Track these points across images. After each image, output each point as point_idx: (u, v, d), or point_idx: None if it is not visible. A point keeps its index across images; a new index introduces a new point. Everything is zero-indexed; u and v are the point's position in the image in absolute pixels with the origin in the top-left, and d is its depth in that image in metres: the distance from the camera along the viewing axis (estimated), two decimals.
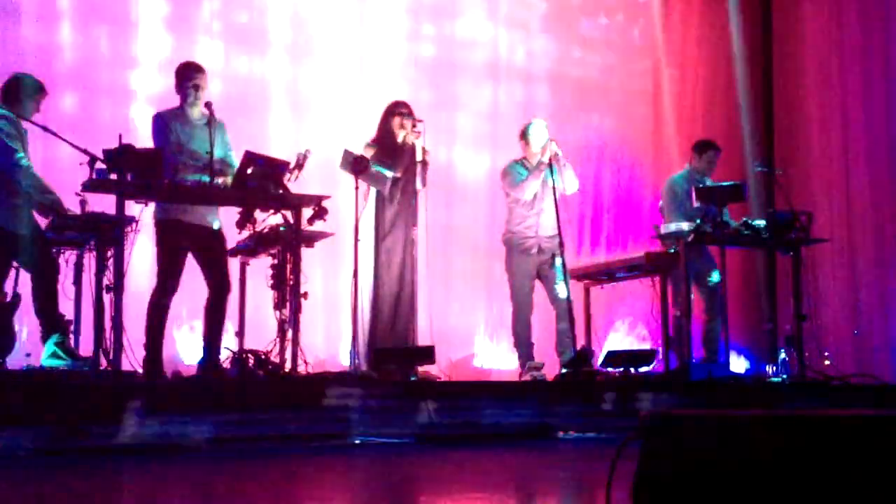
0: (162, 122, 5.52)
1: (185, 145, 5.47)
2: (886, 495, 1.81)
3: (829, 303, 8.18)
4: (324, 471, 4.18)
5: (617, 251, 7.62)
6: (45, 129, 5.28)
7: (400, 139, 6.19)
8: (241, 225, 5.41)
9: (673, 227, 6.63)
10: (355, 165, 5.87)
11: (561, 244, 6.35)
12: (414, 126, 6.16)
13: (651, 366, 6.37)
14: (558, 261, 6.38)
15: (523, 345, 6.54)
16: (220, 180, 5.44)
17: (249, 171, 5.27)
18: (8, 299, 5.24)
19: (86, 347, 5.39)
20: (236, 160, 5.58)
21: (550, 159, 6.43)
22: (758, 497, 1.95)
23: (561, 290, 6.34)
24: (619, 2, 8.83)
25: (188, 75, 5.57)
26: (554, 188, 6.36)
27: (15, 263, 5.30)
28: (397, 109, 6.24)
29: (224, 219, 5.64)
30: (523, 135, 6.70)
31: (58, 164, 5.93)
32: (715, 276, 6.85)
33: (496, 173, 7.09)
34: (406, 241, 6.18)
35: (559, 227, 6.32)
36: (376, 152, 6.12)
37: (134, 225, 5.28)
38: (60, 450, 4.33)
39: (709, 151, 7.10)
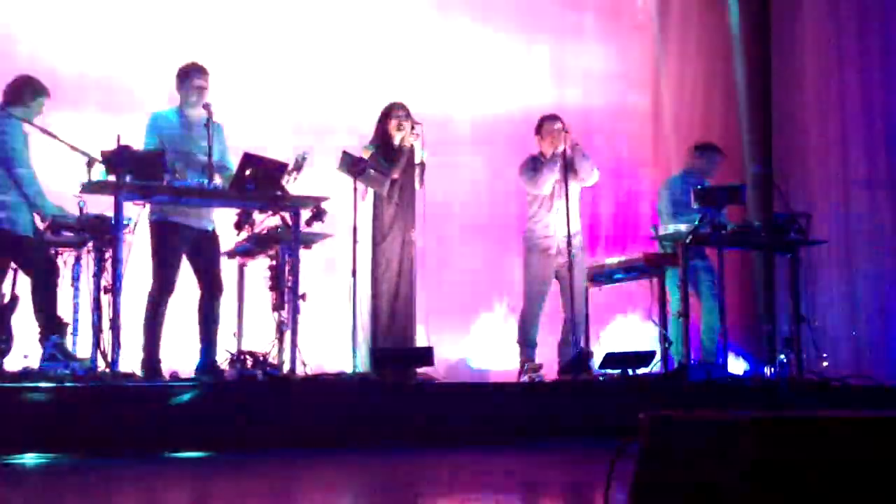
0: (155, 123, 5.52)
1: (181, 146, 5.47)
2: (886, 496, 1.81)
3: (828, 304, 8.18)
4: (324, 472, 4.18)
5: (615, 253, 7.61)
6: (44, 130, 5.29)
7: (397, 141, 6.19)
8: (239, 226, 5.42)
9: (671, 228, 6.63)
10: (353, 167, 5.88)
11: (569, 243, 6.32)
12: (413, 128, 6.16)
13: (649, 367, 6.36)
14: (576, 262, 6.36)
15: (527, 344, 6.52)
16: (217, 182, 5.44)
17: (248, 172, 5.27)
18: (6, 300, 5.25)
19: (84, 349, 5.39)
20: (234, 162, 5.59)
21: (567, 151, 6.41)
22: (756, 498, 1.95)
23: (574, 293, 6.34)
24: (618, 2, 8.83)
25: (193, 76, 5.57)
26: (566, 187, 6.36)
27: (13, 265, 5.30)
28: (394, 112, 6.24)
29: (222, 220, 5.64)
30: (538, 129, 6.69)
31: (57, 165, 5.94)
32: (710, 283, 6.84)
33: (496, 173, 7.08)
34: (404, 242, 6.18)
35: (569, 227, 6.30)
36: (374, 154, 6.13)
37: (132, 226, 5.29)
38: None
39: (708, 152, 7.11)
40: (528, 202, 6.65)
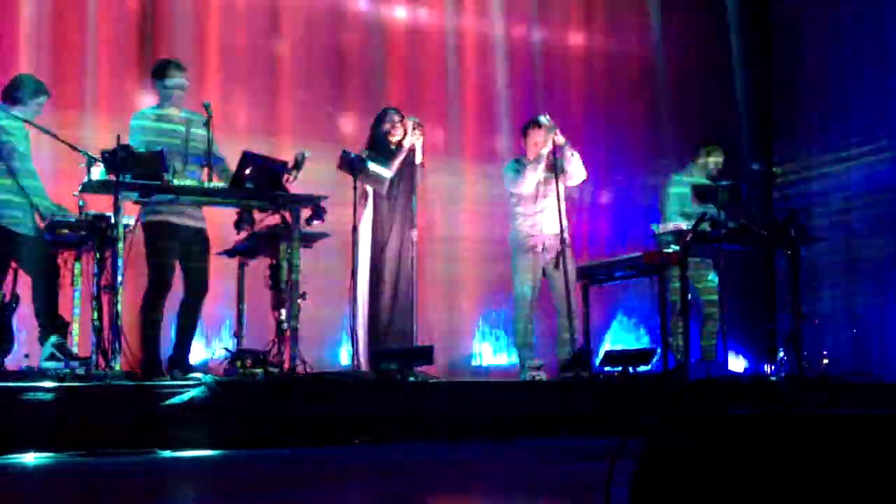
0: (137, 123, 5.53)
1: (171, 145, 5.47)
2: (886, 495, 1.80)
3: (828, 302, 8.18)
4: (323, 471, 4.18)
5: (615, 251, 7.62)
6: (44, 129, 5.28)
7: (395, 141, 6.20)
8: (239, 225, 5.42)
9: (671, 226, 6.63)
10: (353, 166, 5.89)
11: (563, 241, 6.33)
12: (415, 128, 6.18)
13: (649, 365, 6.36)
14: (563, 259, 6.37)
15: (523, 344, 6.53)
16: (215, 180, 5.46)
17: (247, 171, 5.27)
18: (6, 300, 5.25)
19: (84, 349, 5.39)
20: (227, 160, 5.60)
21: (555, 151, 6.42)
22: (756, 497, 1.95)
23: (564, 290, 6.34)
24: (618, 1, 8.82)
25: (170, 73, 5.57)
26: (557, 186, 6.36)
27: (14, 264, 5.30)
28: (388, 115, 6.27)
29: (223, 219, 5.65)
30: (525, 131, 6.70)
31: (56, 164, 5.94)
32: (711, 281, 6.84)
33: (495, 171, 7.08)
34: (404, 240, 6.19)
35: (561, 225, 6.31)
36: (372, 154, 6.15)
37: (132, 225, 5.29)
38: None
39: (716, 153, 7.10)
40: (512, 203, 6.65)
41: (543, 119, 6.57)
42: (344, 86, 7.64)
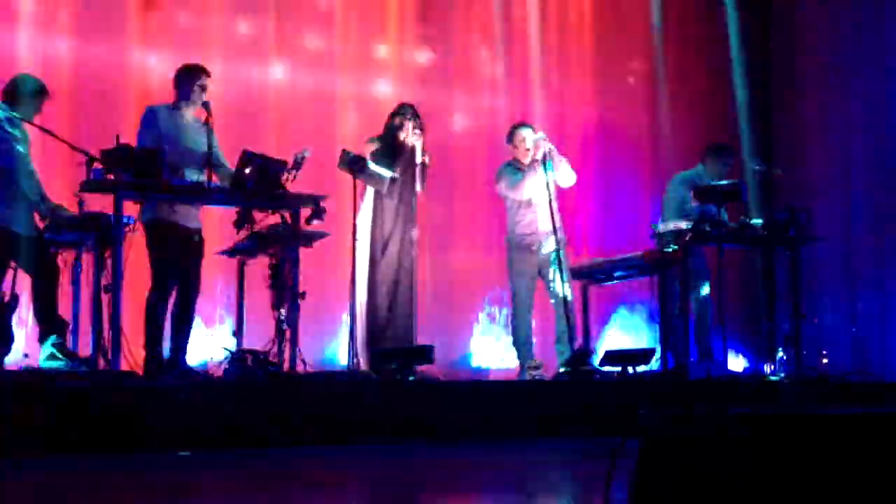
0: (154, 117, 5.52)
1: (178, 143, 5.47)
2: (886, 495, 1.81)
3: (828, 301, 8.18)
4: (323, 471, 4.18)
5: (615, 250, 7.61)
6: (43, 129, 5.28)
7: (402, 137, 6.22)
8: (239, 224, 5.42)
9: (671, 225, 6.62)
10: (353, 165, 5.89)
11: (558, 241, 6.34)
12: (415, 128, 6.19)
13: (649, 365, 6.37)
14: (558, 258, 6.37)
15: (522, 344, 6.54)
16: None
17: (247, 170, 5.27)
18: (6, 300, 5.24)
19: (84, 348, 5.39)
20: (225, 160, 5.60)
21: (545, 155, 6.44)
22: (756, 497, 1.95)
23: (560, 289, 6.35)
24: (618, 1, 8.82)
25: (197, 76, 5.58)
26: (547, 185, 6.38)
27: (13, 264, 5.30)
28: (401, 110, 6.29)
29: (222, 219, 5.65)
30: (510, 138, 6.73)
31: (56, 164, 5.93)
32: (705, 289, 6.83)
33: (494, 171, 7.09)
34: (404, 240, 6.18)
35: (554, 224, 6.32)
36: (376, 150, 6.16)
37: (132, 225, 5.29)
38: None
39: (725, 155, 7.05)
40: (508, 205, 6.68)
41: (529, 128, 6.61)
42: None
